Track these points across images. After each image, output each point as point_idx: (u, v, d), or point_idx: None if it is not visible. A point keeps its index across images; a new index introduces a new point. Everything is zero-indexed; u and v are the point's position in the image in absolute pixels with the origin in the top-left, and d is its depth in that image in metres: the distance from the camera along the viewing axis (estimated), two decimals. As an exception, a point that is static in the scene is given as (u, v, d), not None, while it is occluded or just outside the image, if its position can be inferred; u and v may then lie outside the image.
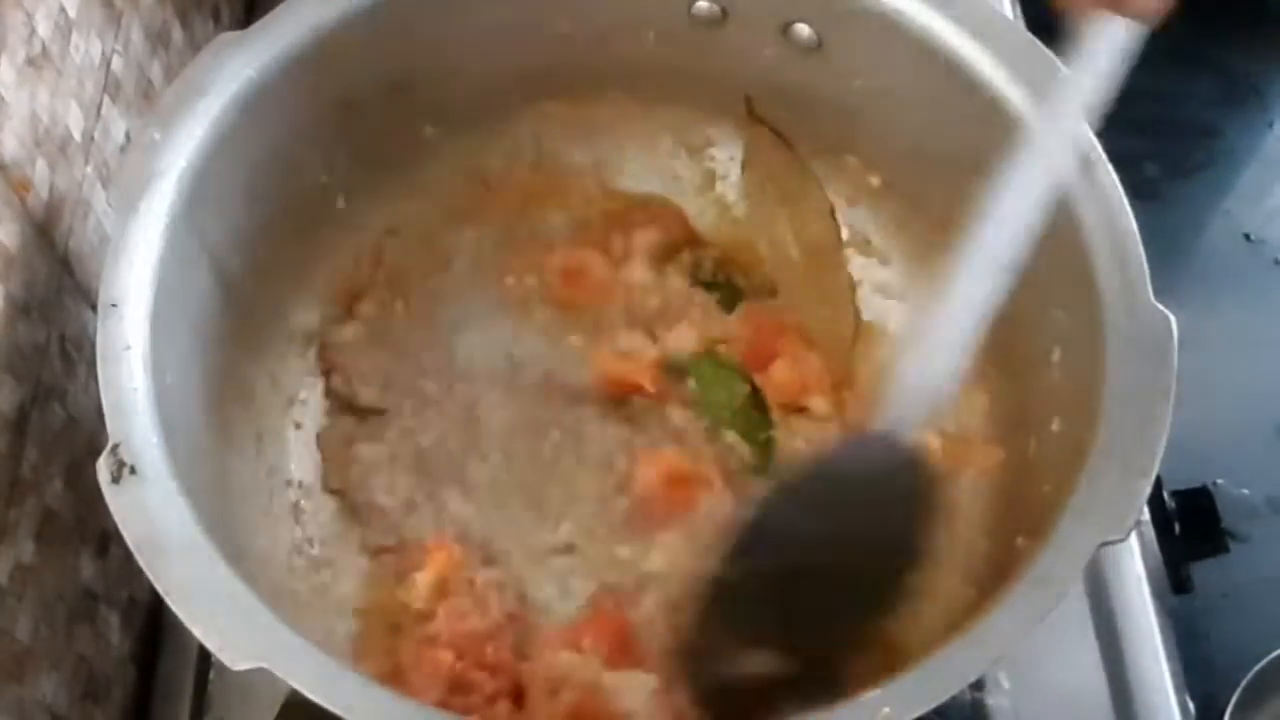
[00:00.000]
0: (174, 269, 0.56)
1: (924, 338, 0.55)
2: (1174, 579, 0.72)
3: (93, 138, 0.63)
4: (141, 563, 0.48)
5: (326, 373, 0.68)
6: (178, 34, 0.75)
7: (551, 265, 0.71)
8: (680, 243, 0.73)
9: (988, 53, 0.60)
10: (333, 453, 0.67)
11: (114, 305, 0.53)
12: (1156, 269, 0.55)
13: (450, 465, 0.66)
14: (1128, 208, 0.57)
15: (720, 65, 0.69)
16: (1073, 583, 0.49)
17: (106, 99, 0.65)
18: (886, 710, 0.46)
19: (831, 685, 0.50)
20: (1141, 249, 0.56)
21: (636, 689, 0.57)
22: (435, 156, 0.71)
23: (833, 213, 0.71)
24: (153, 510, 0.49)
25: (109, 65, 0.65)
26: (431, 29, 0.65)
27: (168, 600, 0.47)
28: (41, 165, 0.58)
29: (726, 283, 0.72)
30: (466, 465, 0.66)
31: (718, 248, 0.73)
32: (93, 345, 0.52)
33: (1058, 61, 0.59)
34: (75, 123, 0.61)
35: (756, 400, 0.68)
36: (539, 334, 0.70)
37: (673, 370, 0.68)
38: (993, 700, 0.67)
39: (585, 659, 0.59)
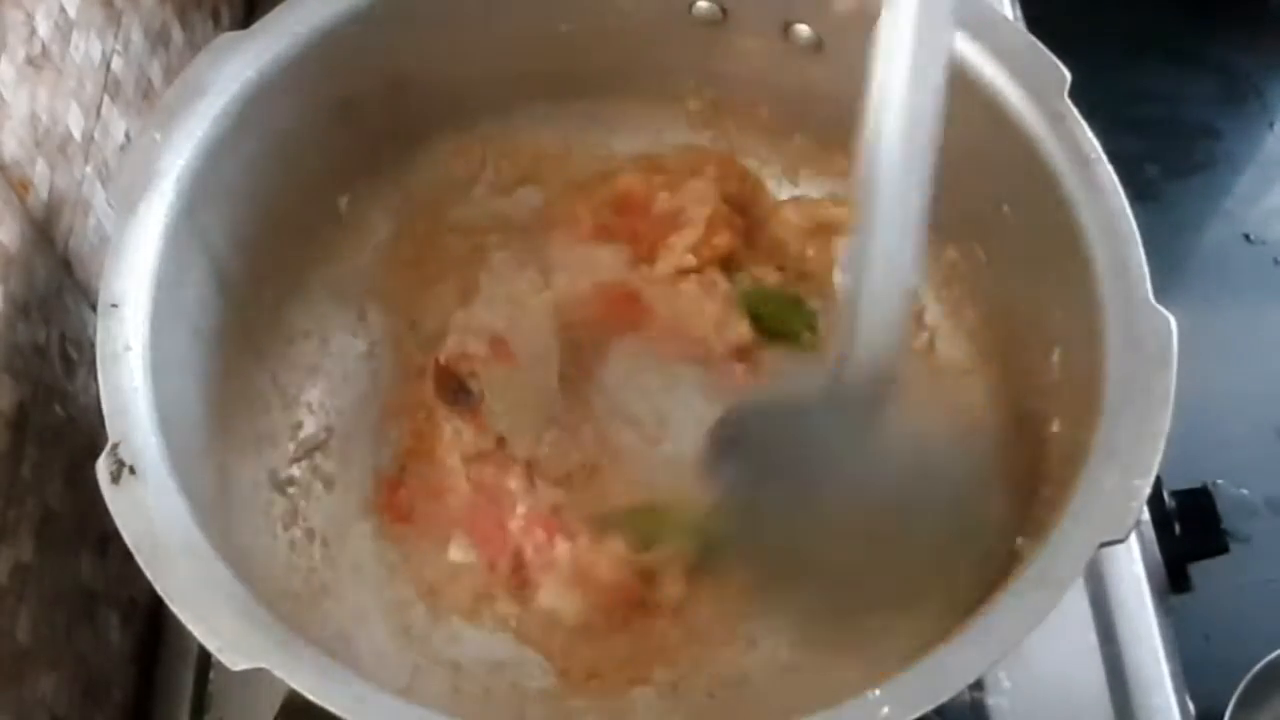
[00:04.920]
0: (174, 269, 0.56)
1: (866, 252, 0.49)
2: (1174, 579, 0.72)
3: (93, 138, 0.63)
4: (141, 563, 0.48)
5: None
6: (178, 34, 0.75)
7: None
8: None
9: (988, 53, 0.60)
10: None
11: (114, 305, 0.53)
12: (1156, 269, 0.55)
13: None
14: (1128, 208, 0.57)
15: (720, 65, 0.69)
16: (1073, 583, 0.49)
17: (106, 99, 0.65)
18: (886, 710, 0.46)
19: None
20: (1141, 250, 0.56)
21: None
22: (436, 157, 0.71)
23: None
24: (152, 510, 0.49)
25: (109, 65, 0.65)
26: (432, 29, 0.65)
27: (167, 600, 0.47)
28: (41, 165, 0.58)
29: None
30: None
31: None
32: (93, 345, 0.52)
33: (1057, 62, 0.59)
34: (75, 123, 0.61)
35: None
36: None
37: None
38: (993, 700, 0.67)
39: None
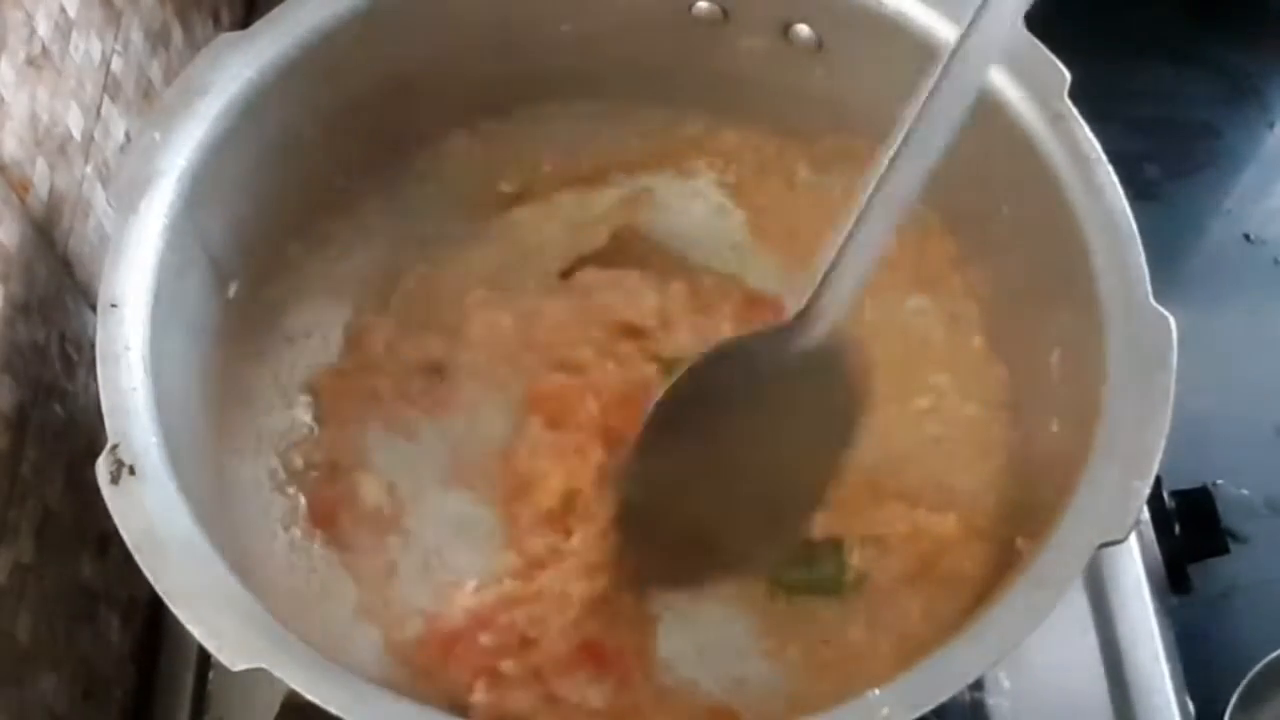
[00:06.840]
0: (174, 269, 0.56)
1: (849, 229, 0.54)
2: (1174, 579, 0.72)
3: (93, 138, 0.63)
4: (140, 563, 0.48)
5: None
6: (178, 34, 0.75)
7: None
8: None
9: (988, 53, 0.60)
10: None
11: (114, 305, 0.53)
12: (1156, 269, 0.55)
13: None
14: (1128, 208, 0.57)
15: (720, 65, 0.69)
16: (1073, 583, 0.49)
17: (106, 99, 0.65)
18: (885, 710, 0.46)
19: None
20: (1141, 250, 0.56)
21: None
22: (436, 158, 0.71)
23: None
24: (152, 510, 0.49)
25: (109, 65, 0.65)
26: (432, 29, 0.65)
27: (166, 601, 0.47)
28: (41, 165, 0.58)
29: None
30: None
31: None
32: (93, 345, 0.52)
33: (1057, 62, 0.59)
34: (75, 123, 0.61)
35: None
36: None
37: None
38: (993, 700, 0.67)
39: None
